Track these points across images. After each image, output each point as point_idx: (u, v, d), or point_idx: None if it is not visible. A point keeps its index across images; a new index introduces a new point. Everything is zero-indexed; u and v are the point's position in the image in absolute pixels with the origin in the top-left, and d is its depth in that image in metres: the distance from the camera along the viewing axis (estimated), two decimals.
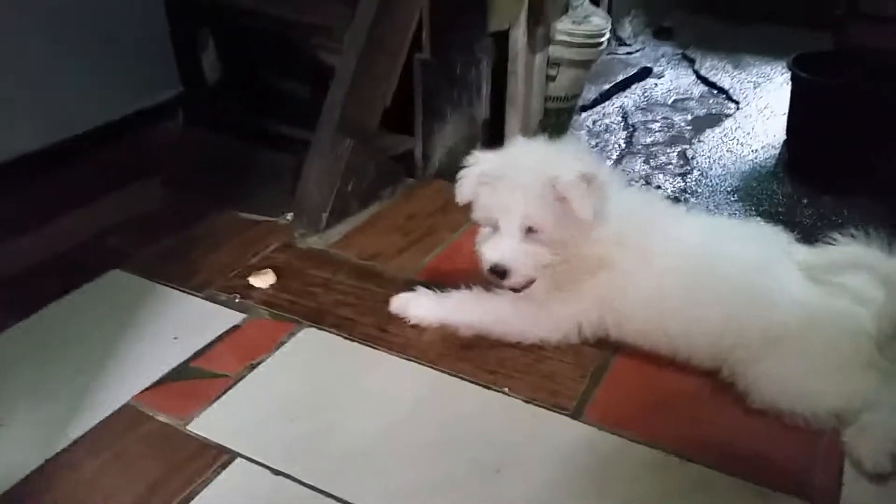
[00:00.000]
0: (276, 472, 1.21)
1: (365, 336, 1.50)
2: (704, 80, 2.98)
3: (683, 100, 2.83)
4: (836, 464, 1.22)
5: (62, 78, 1.82)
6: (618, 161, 2.37)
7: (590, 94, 2.76)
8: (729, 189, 2.21)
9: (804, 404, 1.25)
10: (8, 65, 1.70)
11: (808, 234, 1.45)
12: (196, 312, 1.57)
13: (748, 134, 2.55)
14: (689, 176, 2.28)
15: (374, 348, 1.47)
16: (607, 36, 2.31)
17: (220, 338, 1.49)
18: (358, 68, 1.86)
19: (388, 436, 1.28)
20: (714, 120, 2.66)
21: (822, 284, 1.30)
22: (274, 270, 1.67)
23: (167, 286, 1.64)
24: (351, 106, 1.86)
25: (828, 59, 2.40)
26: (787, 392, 1.26)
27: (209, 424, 1.30)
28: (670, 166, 2.34)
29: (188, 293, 1.62)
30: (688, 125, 2.62)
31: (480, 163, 1.40)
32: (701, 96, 2.87)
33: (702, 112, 2.73)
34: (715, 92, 2.90)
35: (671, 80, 2.99)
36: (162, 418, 1.31)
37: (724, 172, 2.30)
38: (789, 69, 2.36)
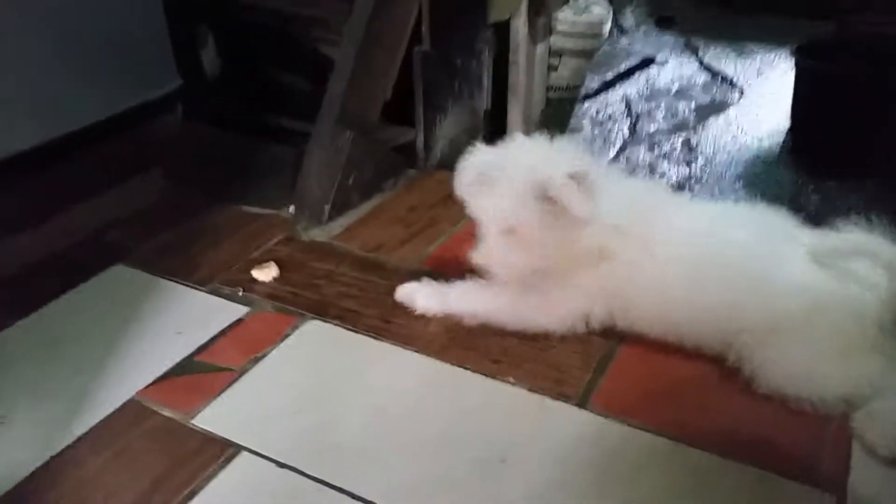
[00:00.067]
0: (282, 465, 1.20)
1: (369, 328, 1.50)
2: (708, 69, 2.96)
3: (687, 88, 2.82)
4: (843, 449, 1.21)
5: (60, 74, 1.81)
6: (622, 150, 2.36)
7: (592, 83, 2.75)
8: (733, 176, 2.20)
9: (811, 389, 1.24)
10: (5, 61, 1.70)
11: (813, 220, 1.43)
12: (199, 306, 1.56)
13: (752, 121, 2.53)
14: (693, 164, 2.27)
15: (379, 340, 1.47)
16: (609, 25, 2.30)
17: (223, 332, 1.49)
18: (357, 60, 1.85)
19: (393, 428, 1.28)
20: (718, 108, 2.65)
21: (827, 269, 1.28)
22: (277, 263, 1.66)
23: (170, 281, 1.64)
24: (351, 98, 1.85)
25: (831, 47, 2.39)
26: (794, 377, 1.25)
27: (214, 418, 1.29)
28: (674, 154, 2.33)
29: (191, 287, 1.62)
30: (691, 113, 2.61)
31: (470, 164, 1.40)
32: (704, 84, 2.85)
33: (705, 100, 2.72)
34: (718, 80, 2.88)
35: (674, 69, 2.98)
36: (166, 413, 1.30)
37: (728, 160, 2.29)
38: (793, 57, 2.34)
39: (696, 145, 2.38)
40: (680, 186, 2.14)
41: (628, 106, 2.66)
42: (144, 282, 1.63)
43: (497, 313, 1.46)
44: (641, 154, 2.33)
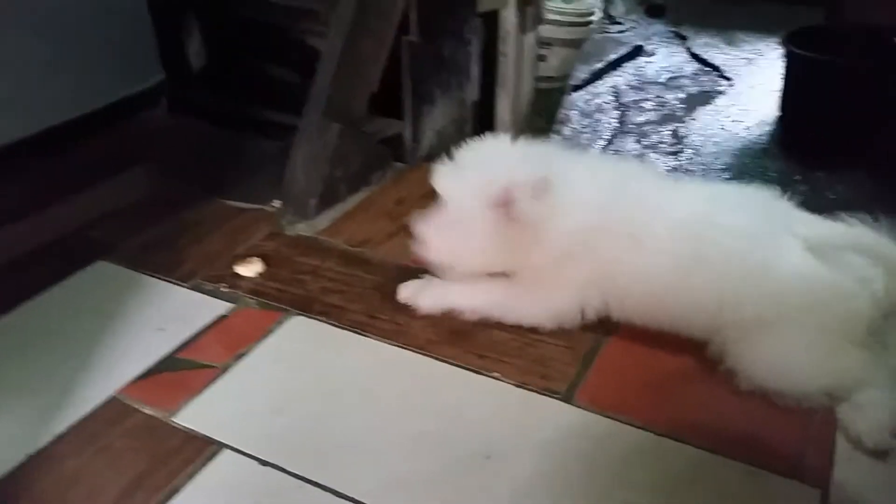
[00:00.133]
0: (264, 463, 1.19)
1: (354, 323, 1.49)
2: (697, 58, 2.95)
3: (676, 78, 2.80)
4: (827, 443, 1.20)
5: (38, 67, 1.78)
6: (610, 141, 2.35)
7: (581, 73, 2.73)
8: (722, 166, 2.19)
9: (794, 383, 1.23)
10: None
11: (802, 211, 1.42)
12: (182, 303, 1.55)
13: (741, 111, 2.52)
14: (681, 154, 2.26)
15: (364, 336, 1.46)
16: (598, 15, 2.29)
17: (206, 328, 1.47)
18: (344, 51, 1.83)
19: (378, 424, 1.27)
20: (707, 97, 2.64)
21: (823, 260, 1.26)
22: (261, 259, 1.64)
23: (153, 277, 1.62)
24: (337, 90, 1.84)
25: (821, 35, 2.38)
26: (777, 372, 1.24)
27: (196, 416, 1.28)
28: (663, 145, 2.32)
29: (174, 283, 1.60)
30: (680, 103, 2.60)
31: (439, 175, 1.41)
32: (693, 74, 2.84)
33: (694, 90, 2.71)
34: (707, 69, 2.87)
35: (663, 59, 2.96)
36: (148, 411, 1.29)
37: (716, 150, 2.28)
38: (782, 45, 2.33)
39: (685, 136, 2.36)
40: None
41: (617, 96, 2.65)
42: (127, 278, 1.62)
43: (497, 309, 1.45)
44: (630, 145, 2.32)
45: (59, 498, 1.14)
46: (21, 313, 1.52)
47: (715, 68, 2.86)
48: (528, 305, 1.43)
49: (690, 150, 2.28)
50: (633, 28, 3.25)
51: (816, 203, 1.89)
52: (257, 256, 1.65)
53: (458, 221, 1.38)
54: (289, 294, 1.56)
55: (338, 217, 1.84)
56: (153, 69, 2.07)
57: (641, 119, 2.48)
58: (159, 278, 1.61)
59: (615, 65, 2.90)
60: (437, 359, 1.39)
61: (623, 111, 2.54)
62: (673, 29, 3.22)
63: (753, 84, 2.71)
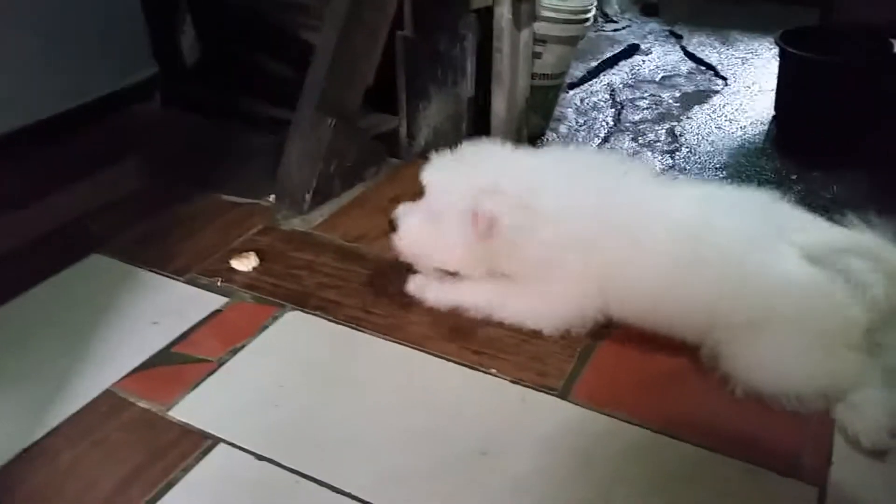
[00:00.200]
0: (260, 458, 1.19)
1: (349, 318, 1.48)
2: (692, 57, 2.95)
3: (671, 77, 2.80)
4: (825, 441, 1.21)
5: (30, 59, 1.77)
6: (606, 139, 2.35)
7: (577, 71, 2.73)
8: (717, 166, 2.19)
9: (790, 388, 1.23)
10: None
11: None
12: (177, 297, 1.54)
13: (736, 110, 2.52)
14: (677, 153, 2.26)
15: (359, 331, 1.45)
16: (593, 12, 2.28)
17: (201, 322, 1.47)
18: (338, 46, 1.82)
19: (374, 420, 1.26)
20: (702, 97, 2.64)
21: (818, 264, 1.25)
22: (256, 253, 1.64)
23: (147, 270, 1.61)
24: (332, 85, 1.83)
25: (816, 34, 2.38)
26: (772, 376, 1.24)
27: (191, 410, 1.27)
28: (658, 144, 2.32)
29: (169, 277, 1.59)
30: (676, 102, 2.59)
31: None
32: (689, 73, 2.83)
33: (690, 89, 2.70)
34: (703, 68, 2.87)
35: (659, 57, 2.96)
36: (143, 404, 1.28)
37: (712, 149, 2.28)
38: (777, 45, 2.33)
39: (680, 134, 2.36)
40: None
41: (613, 95, 2.65)
42: (122, 271, 1.61)
43: (502, 309, 1.44)
44: (625, 143, 2.32)
45: (53, 491, 1.14)
46: (15, 306, 1.51)
47: (710, 67, 2.86)
48: (534, 308, 1.42)
49: (686, 149, 2.28)
50: (629, 26, 3.24)
51: (812, 202, 1.90)
52: (252, 251, 1.64)
53: (437, 219, 1.40)
54: (284, 289, 1.56)
55: (332, 212, 1.83)
56: (146, 62, 2.06)
57: (637, 117, 2.48)
58: (154, 272, 1.61)
59: (611, 63, 2.90)
60: (433, 354, 1.39)
61: (619, 109, 2.54)
62: (668, 28, 3.22)
63: (748, 83, 2.71)
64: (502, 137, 2.04)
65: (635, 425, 1.24)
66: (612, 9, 3.35)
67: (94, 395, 1.30)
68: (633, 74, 2.82)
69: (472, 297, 1.46)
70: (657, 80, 2.78)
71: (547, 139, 2.35)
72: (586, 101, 2.60)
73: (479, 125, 2.11)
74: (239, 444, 1.21)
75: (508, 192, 1.34)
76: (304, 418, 1.26)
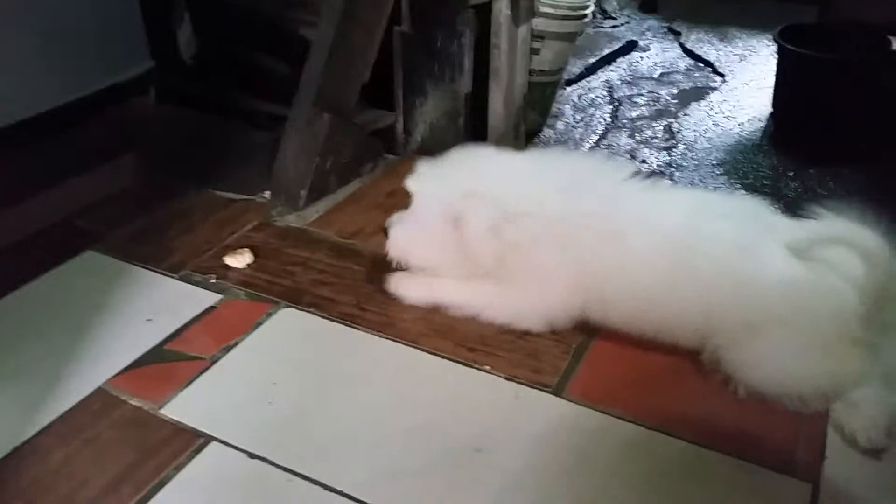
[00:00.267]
0: (253, 456, 1.18)
1: (344, 315, 1.47)
2: (690, 54, 2.95)
3: (669, 73, 2.80)
4: (818, 438, 1.20)
5: (25, 53, 1.76)
6: (603, 135, 2.34)
7: (575, 67, 2.72)
8: (714, 162, 2.18)
9: (791, 388, 1.23)
10: None
11: (794, 207, 1.42)
12: (171, 294, 1.53)
13: (734, 107, 2.52)
14: (674, 150, 2.25)
15: (354, 328, 1.45)
16: (591, 8, 2.27)
17: (195, 319, 1.46)
18: (335, 41, 1.81)
19: (367, 417, 1.26)
20: (700, 93, 2.63)
21: (806, 260, 1.25)
22: (251, 250, 1.63)
23: (141, 267, 1.60)
24: (328, 80, 1.82)
25: (814, 32, 2.38)
26: (773, 377, 1.23)
27: (183, 408, 1.27)
28: (656, 140, 2.31)
29: (163, 274, 1.59)
30: (673, 99, 2.59)
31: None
32: (687, 69, 2.83)
33: (687, 85, 2.70)
34: (701, 65, 2.86)
35: (657, 54, 2.96)
36: (135, 402, 1.28)
37: (709, 146, 2.27)
38: (775, 42, 2.33)
39: (678, 131, 2.36)
40: (661, 172, 2.12)
41: (610, 91, 2.64)
42: (115, 268, 1.60)
43: (483, 308, 1.44)
44: (623, 140, 2.31)
45: (44, 490, 1.13)
46: (8, 303, 1.50)
47: (708, 64, 2.85)
48: (517, 306, 1.42)
49: (683, 146, 2.27)
50: (627, 23, 3.24)
51: (808, 199, 1.90)
52: (247, 247, 1.63)
53: (423, 227, 1.42)
54: (278, 285, 1.55)
55: (328, 208, 1.82)
56: (142, 57, 2.05)
57: (634, 114, 2.48)
58: (148, 269, 1.60)
59: (609, 59, 2.89)
60: (427, 351, 1.38)
61: (616, 106, 2.53)
62: (666, 24, 3.21)
63: (746, 80, 2.71)
64: (499, 134, 2.05)
65: (630, 422, 1.24)
66: (611, 5, 3.34)
67: (87, 392, 1.29)
68: (631, 71, 2.81)
69: (454, 296, 1.46)
70: (655, 76, 2.77)
71: (544, 136, 2.34)
72: (584, 97, 2.60)
73: (476, 122, 2.10)
74: (231, 442, 1.20)
75: (490, 198, 1.36)
76: (298, 416, 1.26)
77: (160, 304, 1.50)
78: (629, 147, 2.28)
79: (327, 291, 1.53)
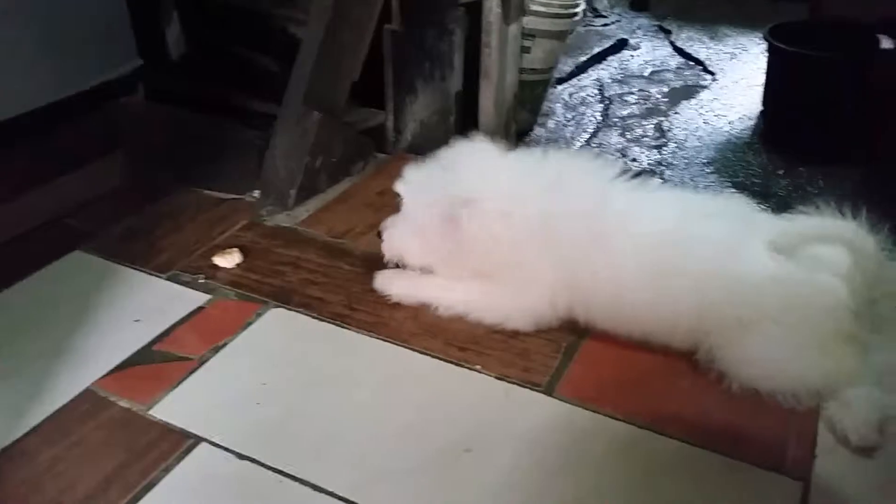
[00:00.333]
0: (242, 457, 1.17)
1: (334, 315, 1.47)
2: (681, 52, 2.95)
3: (660, 72, 2.80)
4: (809, 436, 1.20)
5: (12, 51, 1.75)
6: (594, 134, 2.34)
7: (566, 66, 2.72)
8: (705, 161, 2.18)
9: (785, 385, 1.23)
10: None
11: (784, 206, 1.42)
12: (159, 294, 1.52)
13: (724, 105, 2.52)
14: (664, 148, 2.25)
15: (344, 328, 1.44)
16: (582, 6, 2.27)
17: (183, 320, 1.45)
18: (324, 40, 1.80)
19: (358, 417, 1.25)
20: (690, 92, 2.63)
21: (794, 259, 1.25)
22: (240, 249, 1.62)
23: (129, 267, 1.60)
24: (318, 79, 1.81)
25: (804, 29, 2.38)
26: (767, 375, 1.24)
27: (172, 409, 1.26)
28: (646, 139, 2.31)
29: (151, 274, 1.58)
30: (664, 97, 2.59)
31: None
32: (677, 68, 2.83)
33: (678, 84, 2.70)
34: (691, 63, 2.86)
35: (647, 52, 2.96)
36: (123, 403, 1.27)
37: (699, 144, 2.27)
38: (765, 40, 2.33)
39: (668, 130, 2.36)
40: (651, 171, 2.12)
41: (601, 90, 2.64)
42: (103, 268, 1.59)
43: (471, 306, 1.44)
44: (613, 139, 2.31)
45: (32, 491, 1.12)
46: None
47: (699, 62, 2.85)
48: (509, 305, 1.42)
49: (674, 144, 2.27)
50: (618, 21, 3.24)
51: (798, 197, 1.91)
52: (236, 247, 1.63)
53: (414, 224, 1.43)
54: (268, 285, 1.54)
55: (318, 208, 1.82)
56: (130, 55, 2.04)
57: (625, 112, 2.48)
58: (136, 269, 1.59)
59: (599, 58, 2.89)
60: (418, 351, 1.38)
61: (607, 104, 2.53)
62: (657, 23, 3.21)
63: (737, 78, 2.71)
64: (490, 133, 2.04)
65: (620, 421, 1.23)
66: (602, 3, 3.34)
67: (75, 393, 1.29)
68: (621, 69, 2.81)
69: (440, 294, 1.46)
70: (646, 75, 2.77)
71: (535, 134, 2.34)
72: (575, 96, 2.59)
73: (466, 120, 2.10)
74: (221, 443, 1.20)
75: (481, 198, 1.36)
76: (287, 416, 1.25)
77: (149, 304, 1.49)
78: (620, 145, 2.27)
79: (317, 291, 1.53)
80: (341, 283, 1.55)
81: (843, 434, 1.18)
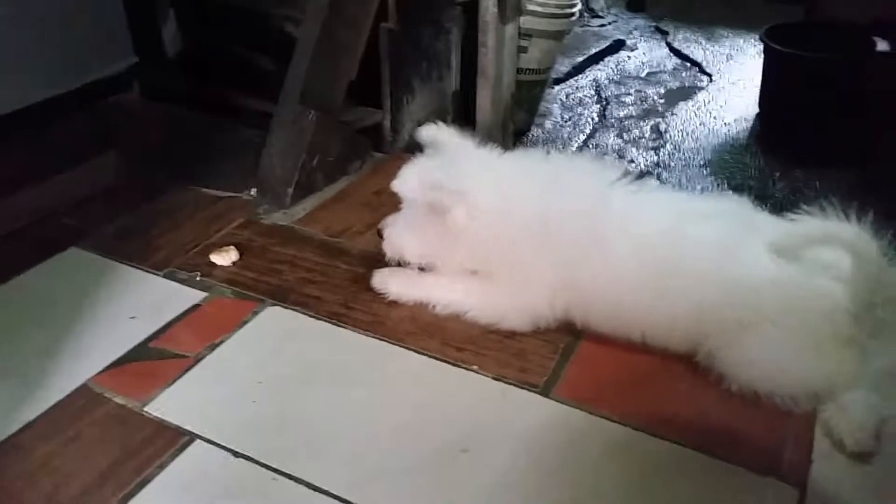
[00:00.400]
0: (237, 455, 1.17)
1: (331, 314, 1.47)
2: (677, 53, 2.95)
3: (656, 73, 2.80)
4: (805, 440, 1.20)
5: (7, 48, 1.74)
6: (591, 135, 2.34)
7: (562, 66, 2.72)
8: (701, 162, 2.18)
9: (784, 387, 1.23)
10: None
11: (780, 208, 1.42)
12: (155, 291, 1.52)
13: (721, 107, 2.52)
14: (661, 149, 2.25)
15: (341, 327, 1.44)
16: (579, 6, 2.27)
17: (179, 317, 1.45)
18: (320, 39, 1.80)
19: (353, 416, 1.25)
20: (687, 93, 2.64)
21: (793, 261, 1.25)
22: (237, 247, 1.62)
23: (126, 264, 1.59)
24: (314, 77, 1.81)
25: (800, 31, 2.38)
26: (767, 376, 1.24)
27: (167, 406, 1.26)
28: (643, 140, 2.31)
29: (147, 271, 1.57)
30: (661, 98, 2.59)
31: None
32: (674, 69, 2.83)
33: (675, 85, 2.70)
34: (688, 65, 2.87)
35: (644, 53, 2.96)
36: (119, 400, 1.27)
37: (696, 146, 2.28)
38: (762, 41, 2.33)
39: (665, 131, 2.36)
40: (648, 172, 2.12)
41: (598, 90, 2.64)
42: (99, 265, 1.59)
43: (468, 305, 1.44)
44: (610, 139, 2.31)
45: (27, 486, 1.12)
46: None
47: (695, 64, 2.86)
48: (505, 305, 1.42)
49: (671, 146, 2.27)
50: (615, 22, 3.24)
51: (795, 199, 1.91)
52: (232, 245, 1.62)
53: (412, 221, 1.44)
54: (264, 284, 1.54)
55: (315, 206, 1.82)
56: (126, 52, 2.03)
57: (622, 113, 2.48)
58: (133, 266, 1.59)
59: (596, 59, 2.89)
60: (415, 351, 1.38)
61: (604, 105, 2.53)
62: (654, 23, 3.22)
63: (733, 80, 2.71)
64: (487, 133, 2.04)
65: (617, 423, 1.23)
66: (598, 4, 3.34)
67: (70, 390, 1.28)
68: (618, 70, 2.81)
69: (438, 293, 1.46)
70: (643, 76, 2.78)
71: (532, 135, 2.34)
72: (572, 96, 2.59)
73: (464, 120, 2.09)
74: (216, 440, 1.19)
75: (473, 192, 1.37)
76: (283, 415, 1.25)
77: (145, 301, 1.49)
78: (617, 147, 2.28)
79: (314, 290, 1.53)
80: (338, 282, 1.55)
81: (839, 438, 1.18)
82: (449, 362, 1.36)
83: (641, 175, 1.92)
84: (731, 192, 2.00)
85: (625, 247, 1.31)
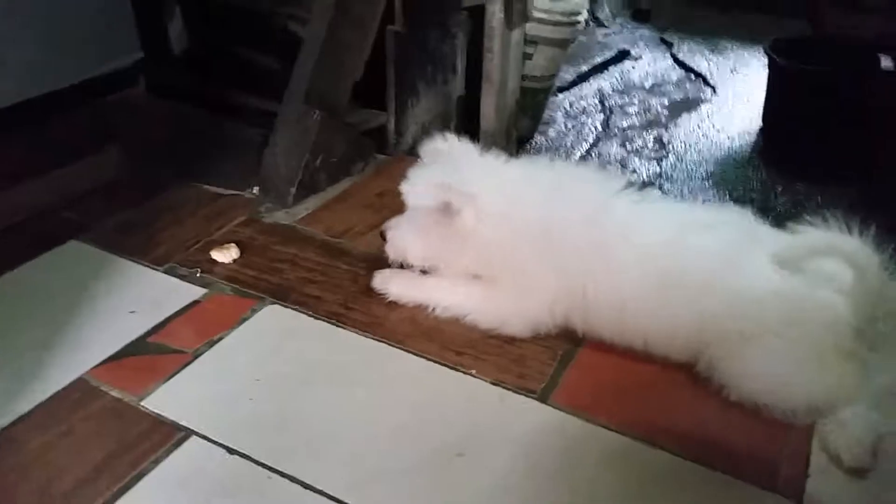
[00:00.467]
0: (233, 452, 1.17)
1: (330, 314, 1.46)
2: (682, 64, 2.96)
3: (660, 84, 2.81)
4: (802, 454, 1.20)
5: (11, 41, 1.74)
6: (594, 144, 2.34)
7: (567, 75, 2.73)
8: (704, 175, 2.19)
9: (785, 400, 1.23)
10: None
11: (782, 221, 1.42)
12: (155, 286, 1.52)
13: (724, 119, 2.53)
14: (664, 160, 2.26)
15: (340, 327, 1.43)
16: (584, 14, 2.28)
17: (179, 313, 1.45)
18: (326, 39, 1.80)
19: (351, 417, 1.25)
20: (691, 105, 2.64)
21: (796, 273, 1.25)
22: (238, 245, 1.62)
23: (126, 259, 1.59)
24: (319, 77, 1.81)
25: (805, 45, 2.39)
26: (768, 388, 1.23)
27: (164, 401, 1.25)
28: (646, 150, 2.32)
29: (148, 266, 1.57)
30: (664, 109, 2.60)
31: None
32: (678, 80, 2.84)
33: (678, 96, 2.71)
34: (692, 76, 2.88)
35: (649, 64, 2.97)
36: (115, 394, 1.26)
37: (699, 158, 2.28)
38: (766, 54, 2.34)
39: (668, 142, 2.37)
40: (650, 183, 2.12)
41: (602, 100, 2.65)
42: (100, 259, 1.59)
43: (468, 309, 1.43)
44: (613, 149, 2.32)
45: (21, 479, 1.11)
46: None
47: (699, 75, 2.87)
48: (505, 310, 1.41)
49: (674, 157, 2.28)
50: (619, 32, 3.25)
51: (797, 213, 1.90)
52: (233, 242, 1.62)
53: (413, 221, 1.44)
54: (265, 282, 1.54)
55: (317, 206, 1.81)
56: (132, 47, 2.03)
57: (626, 123, 2.48)
58: (133, 261, 1.58)
59: (601, 68, 2.90)
60: (414, 353, 1.38)
61: (608, 115, 2.54)
62: (659, 34, 3.22)
63: (737, 93, 2.72)
64: (491, 138, 2.05)
65: (614, 431, 1.23)
66: (604, 13, 3.35)
67: (67, 382, 1.28)
68: (622, 80, 2.82)
69: (438, 295, 1.46)
70: (647, 86, 2.78)
71: (536, 142, 2.34)
72: (575, 105, 2.60)
73: (468, 125, 2.10)
74: (212, 437, 1.19)
75: (478, 195, 1.37)
76: (279, 413, 1.24)
77: (144, 296, 1.48)
78: (620, 156, 2.28)
79: (314, 289, 1.52)
80: (338, 283, 1.55)
81: (836, 453, 1.18)
82: (448, 366, 1.35)
83: (644, 185, 1.92)
84: (733, 204, 2.01)
85: (627, 255, 1.31)
